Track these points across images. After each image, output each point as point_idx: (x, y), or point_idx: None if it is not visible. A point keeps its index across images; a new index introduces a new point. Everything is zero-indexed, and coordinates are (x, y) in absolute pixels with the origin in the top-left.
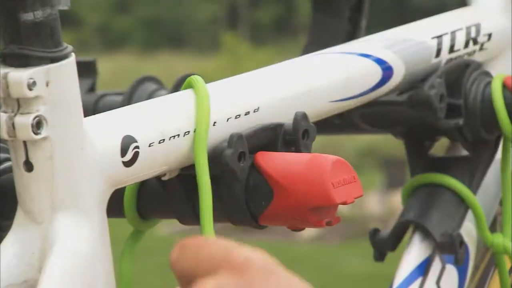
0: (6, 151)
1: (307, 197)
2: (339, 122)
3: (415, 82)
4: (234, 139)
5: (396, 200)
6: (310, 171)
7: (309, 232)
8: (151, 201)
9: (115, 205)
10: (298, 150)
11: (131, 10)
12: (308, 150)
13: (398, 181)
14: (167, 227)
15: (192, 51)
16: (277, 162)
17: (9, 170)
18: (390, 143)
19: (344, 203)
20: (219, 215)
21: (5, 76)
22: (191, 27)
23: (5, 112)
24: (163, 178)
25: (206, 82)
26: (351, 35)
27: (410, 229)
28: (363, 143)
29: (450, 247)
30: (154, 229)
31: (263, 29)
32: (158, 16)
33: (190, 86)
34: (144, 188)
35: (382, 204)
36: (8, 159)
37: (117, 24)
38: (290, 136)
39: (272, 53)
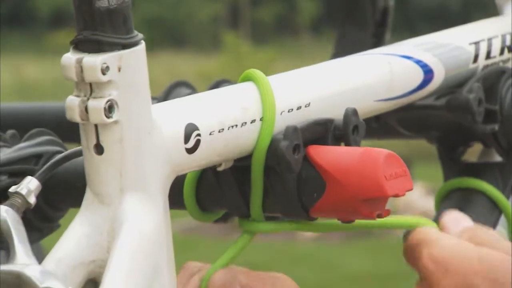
0: (58, 144)
1: (359, 189)
2: (376, 126)
3: (452, 87)
4: (290, 131)
5: (398, 198)
6: (363, 164)
7: None
8: (207, 192)
9: (174, 196)
10: (348, 145)
11: (133, 9)
12: (357, 145)
13: None
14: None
15: (193, 50)
16: (329, 155)
17: (61, 162)
18: (393, 142)
19: (396, 196)
20: (270, 207)
21: (79, 61)
22: (193, 26)
23: (77, 96)
24: (219, 169)
25: (207, 81)
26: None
27: None
28: (368, 141)
29: None
30: None
31: (264, 28)
32: (160, 15)
33: (249, 79)
34: (202, 178)
35: None
36: (58, 152)
37: None
38: (340, 131)
39: (274, 52)
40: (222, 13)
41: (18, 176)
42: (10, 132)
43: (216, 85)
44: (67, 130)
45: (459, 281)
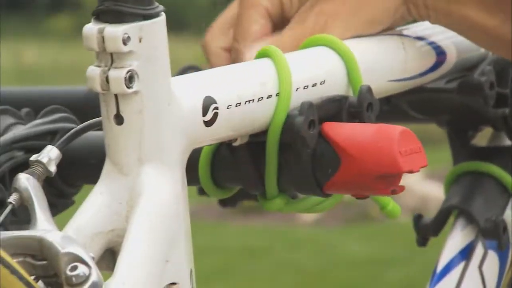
0: (73, 121)
1: (374, 165)
2: (387, 108)
3: (463, 70)
4: (305, 107)
5: None
6: (379, 140)
7: (309, 215)
8: (222, 167)
9: (189, 172)
10: (362, 122)
11: None
12: (372, 122)
13: None
14: None
15: (192, 36)
16: (344, 131)
17: (82, 132)
18: None
19: (411, 172)
20: (284, 183)
21: (101, 31)
22: (192, 11)
23: (98, 66)
24: (234, 144)
25: (206, 67)
26: None
27: (453, 216)
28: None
29: (494, 233)
30: None
31: None
32: (159, 0)
33: (266, 55)
34: (217, 154)
35: None
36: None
37: None
38: (354, 108)
39: None
40: None
41: (34, 152)
42: (25, 110)
43: (183, 71)
44: (77, 114)
45: None
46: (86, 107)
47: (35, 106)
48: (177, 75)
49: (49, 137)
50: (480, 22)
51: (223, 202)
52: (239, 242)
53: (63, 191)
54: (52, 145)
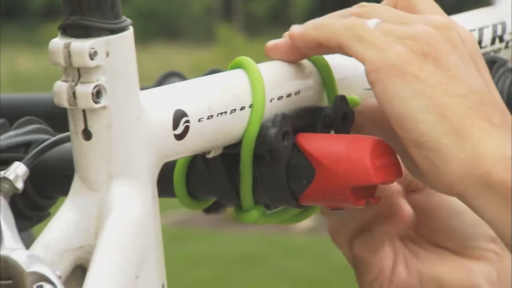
0: (47, 132)
1: (348, 177)
2: None
3: None
4: (279, 119)
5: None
6: (352, 151)
7: (304, 223)
8: (197, 179)
9: (164, 184)
10: (337, 133)
11: (126, 1)
12: (347, 133)
13: None
14: (162, 218)
15: (187, 43)
16: (318, 142)
17: (49, 147)
18: None
19: (384, 183)
20: (259, 194)
21: (67, 46)
22: (186, 18)
23: (65, 81)
24: (208, 156)
25: (201, 73)
26: None
27: None
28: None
29: None
30: None
31: (257, 20)
32: (153, 8)
33: (238, 66)
34: (192, 166)
35: None
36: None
37: None
38: (329, 119)
39: None
40: (216, 6)
41: (7, 164)
42: (1, 120)
43: (210, 74)
44: (59, 120)
45: None
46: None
47: (21, 112)
48: (158, 81)
49: (22, 149)
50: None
51: (207, 209)
52: (235, 250)
53: (38, 204)
54: (20, 161)
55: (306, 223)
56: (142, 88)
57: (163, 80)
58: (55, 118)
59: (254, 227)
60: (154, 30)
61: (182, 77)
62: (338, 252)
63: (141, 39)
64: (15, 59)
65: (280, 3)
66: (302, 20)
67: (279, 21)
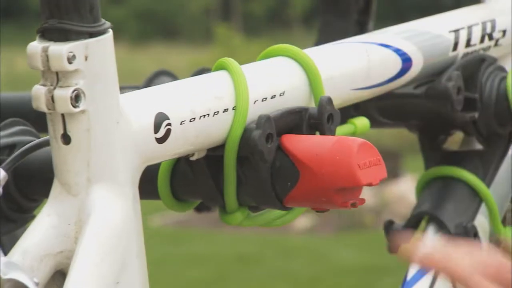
0: (32, 134)
1: (333, 178)
2: (356, 114)
3: (431, 75)
4: (263, 121)
5: (389, 191)
6: (337, 153)
7: (301, 223)
8: (181, 181)
9: (149, 186)
10: (322, 134)
11: (124, 1)
12: (332, 134)
13: (391, 173)
14: (160, 218)
15: (185, 43)
16: (303, 144)
17: (29, 151)
18: (383, 135)
19: (370, 185)
20: (244, 196)
21: (45, 50)
22: (184, 18)
23: (44, 85)
24: (191, 158)
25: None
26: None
27: (424, 221)
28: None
29: (464, 238)
30: (146, 221)
31: (256, 21)
32: (151, 8)
33: (222, 67)
34: (176, 168)
35: (375, 196)
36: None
37: (110, 15)
38: (315, 120)
39: (266, 45)
40: (214, 6)
41: None
42: None
43: (198, 73)
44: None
45: None
46: None
47: (10, 112)
48: (148, 80)
49: (7, 150)
50: None
51: (198, 208)
52: (232, 250)
53: (22, 206)
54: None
55: (304, 223)
56: (130, 87)
57: (153, 79)
58: (45, 118)
59: (251, 227)
60: (152, 30)
61: (172, 76)
62: (336, 252)
63: (139, 39)
64: (13, 59)
65: (279, 3)
66: (300, 21)
67: (277, 21)
